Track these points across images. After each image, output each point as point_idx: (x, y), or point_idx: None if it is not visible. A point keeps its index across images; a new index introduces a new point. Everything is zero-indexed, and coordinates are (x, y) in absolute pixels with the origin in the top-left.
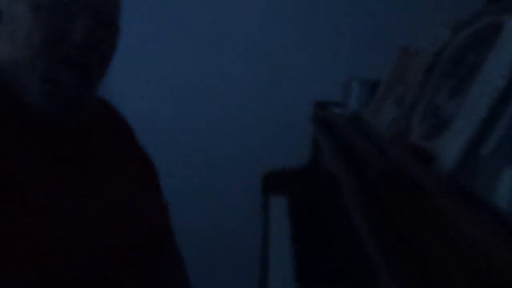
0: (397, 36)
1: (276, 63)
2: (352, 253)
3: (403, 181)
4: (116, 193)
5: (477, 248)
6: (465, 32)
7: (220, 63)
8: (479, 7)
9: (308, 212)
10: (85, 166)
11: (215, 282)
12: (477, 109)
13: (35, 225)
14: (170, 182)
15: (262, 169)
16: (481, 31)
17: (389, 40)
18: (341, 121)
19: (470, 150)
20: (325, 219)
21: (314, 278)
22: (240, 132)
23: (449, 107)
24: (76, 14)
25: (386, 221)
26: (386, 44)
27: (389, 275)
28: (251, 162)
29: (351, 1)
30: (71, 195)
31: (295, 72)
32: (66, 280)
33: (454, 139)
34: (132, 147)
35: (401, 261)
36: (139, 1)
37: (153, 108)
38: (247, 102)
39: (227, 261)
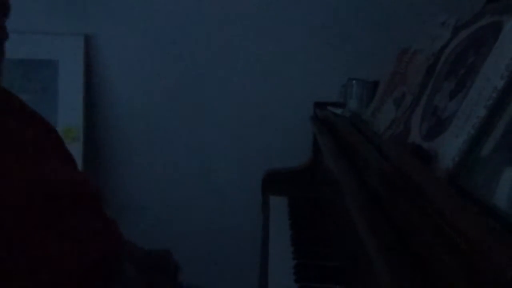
0: (397, 36)
1: (276, 63)
2: (352, 253)
3: (403, 181)
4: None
5: (477, 248)
6: (465, 32)
7: (220, 63)
8: (479, 7)
9: (308, 212)
10: None
11: (215, 282)
12: (477, 109)
13: None
14: (170, 182)
15: (262, 169)
16: (481, 31)
17: (389, 40)
18: (341, 121)
19: (470, 150)
20: (325, 219)
21: (314, 278)
22: (240, 132)
23: (449, 107)
24: None
25: (386, 221)
26: (386, 44)
27: (388, 275)
28: (251, 162)
29: (351, 1)
30: None
31: (295, 72)
32: None
33: (454, 139)
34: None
35: (401, 261)
36: None
37: (154, 109)
38: (247, 102)
39: (227, 261)
